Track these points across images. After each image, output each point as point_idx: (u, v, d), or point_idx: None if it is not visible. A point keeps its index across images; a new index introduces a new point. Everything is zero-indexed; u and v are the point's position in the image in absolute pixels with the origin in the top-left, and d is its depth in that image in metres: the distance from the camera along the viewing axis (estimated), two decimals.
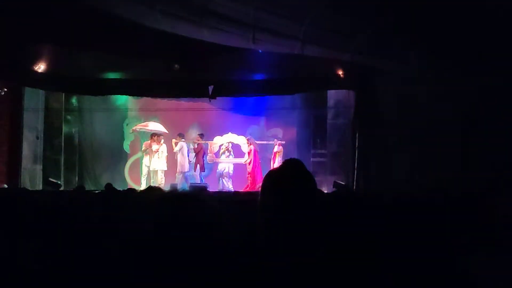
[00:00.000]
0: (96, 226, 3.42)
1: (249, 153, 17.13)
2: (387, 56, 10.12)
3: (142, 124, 18.05)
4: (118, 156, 18.95)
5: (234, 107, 18.66)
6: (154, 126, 17.53)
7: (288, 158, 2.50)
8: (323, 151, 17.14)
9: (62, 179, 16.83)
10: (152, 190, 4.43)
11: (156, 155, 17.03)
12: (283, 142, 17.67)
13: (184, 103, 18.39)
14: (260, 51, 14.19)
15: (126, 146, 19.24)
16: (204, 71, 15.47)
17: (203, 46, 12.74)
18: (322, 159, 17.09)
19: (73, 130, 18.27)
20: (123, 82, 16.27)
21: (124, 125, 19.24)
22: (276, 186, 2.26)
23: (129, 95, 17.66)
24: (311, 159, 17.62)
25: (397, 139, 13.41)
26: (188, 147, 17.80)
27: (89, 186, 16.56)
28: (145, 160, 17.28)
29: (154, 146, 17.06)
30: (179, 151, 17.36)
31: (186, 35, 11.57)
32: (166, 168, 17.10)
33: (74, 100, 18.31)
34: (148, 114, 19.01)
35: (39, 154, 16.32)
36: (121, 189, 6.12)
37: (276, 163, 17.16)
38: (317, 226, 2.20)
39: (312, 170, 16.40)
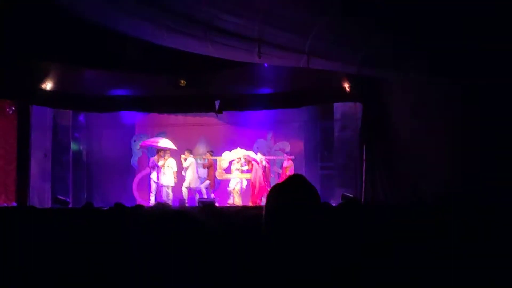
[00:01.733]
0: (104, 243, 3.44)
1: (251, 168, 17.12)
2: (393, 67, 10.11)
3: (151, 140, 18.09)
4: (126, 172, 19.00)
5: (241, 122, 18.71)
6: (164, 142, 17.56)
7: (294, 173, 2.53)
8: (331, 164, 17.13)
9: (70, 196, 16.88)
10: (160, 206, 4.46)
11: (162, 170, 17.07)
12: (293, 157, 17.63)
13: (191, 118, 18.46)
14: (265, 65, 14.25)
15: (134, 162, 19.30)
16: (211, 86, 15.56)
17: (208, 61, 12.81)
18: (330, 172, 17.08)
19: (81, 147, 18.37)
20: (130, 99, 16.38)
21: (132, 141, 19.31)
22: (279, 201, 2.28)
23: (136, 111, 17.73)
24: (319, 172, 17.62)
25: (404, 150, 13.37)
26: (196, 163, 17.84)
27: (97, 203, 16.59)
28: (153, 176, 17.31)
29: (160, 162, 17.11)
30: (188, 167, 17.40)
31: (191, 50, 11.63)
32: (173, 184, 17.10)
33: (81, 117, 18.42)
34: (155, 130, 19.08)
35: (47, 172, 16.39)
36: (129, 206, 6.14)
37: None
38: (322, 241, 2.22)
39: (320, 183, 16.49)
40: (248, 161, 17.13)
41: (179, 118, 18.65)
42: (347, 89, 14.90)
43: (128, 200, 16.60)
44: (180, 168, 17.42)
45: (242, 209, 11.58)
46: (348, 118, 16.20)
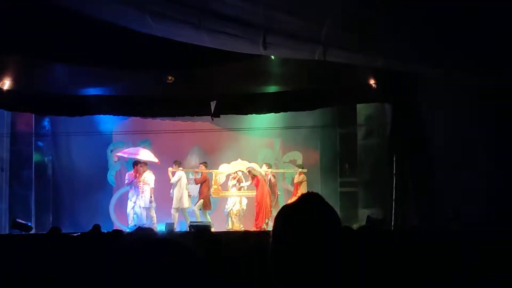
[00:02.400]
0: (74, 275, 3.46)
1: (256, 184, 17.09)
2: (430, 60, 10.10)
3: (129, 150, 18.11)
4: (101, 190, 19.00)
5: (242, 127, 18.71)
6: (144, 154, 17.60)
7: (309, 191, 2.52)
8: (353, 179, 17.12)
9: (33, 220, 16.88)
10: (141, 232, 4.47)
11: (140, 187, 17.11)
12: (305, 171, 17.64)
13: (181, 123, 18.47)
14: (272, 57, 14.27)
15: (111, 177, 19.32)
16: (205, 84, 15.57)
17: (202, 54, 12.83)
18: (351, 189, 17.06)
19: (46, 159, 18.40)
20: (106, 100, 16.39)
21: (108, 152, 19.35)
22: (289, 226, 2.29)
23: (114, 115, 17.74)
24: (339, 189, 17.62)
25: (445, 163, 13.36)
26: (187, 178, 17.86)
27: (66, 228, 16.60)
28: (130, 194, 17.34)
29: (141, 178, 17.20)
30: (176, 183, 17.42)
31: (181, 40, 11.66)
32: (148, 205, 17.05)
33: (46, 122, 18.46)
34: (137, 138, 19.11)
35: (4, 189, 16.40)
36: (106, 231, 6.16)
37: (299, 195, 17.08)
38: (341, 276, 2.22)
39: (339, 203, 16.51)
40: (253, 176, 17.10)
41: (167, 124, 18.67)
42: (373, 87, 14.91)
43: (104, 224, 16.58)
44: (165, 185, 17.43)
45: (244, 236, 11.59)
46: (374, 122, 16.20)
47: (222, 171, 17.83)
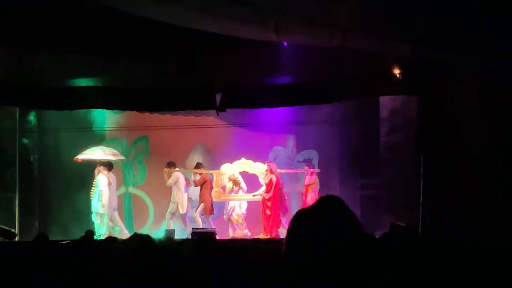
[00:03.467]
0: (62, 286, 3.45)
1: (268, 184, 17.02)
2: (463, 47, 10.05)
3: (89, 151, 17.93)
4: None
5: (251, 123, 18.71)
6: (100, 153, 17.58)
7: (326, 194, 2.49)
8: (374, 181, 17.07)
9: (17, 225, 16.92)
10: (137, 240, 4.45)
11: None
12: (318, 171, 17.61)
13: (182, 118, 18.49)
14: (285, 44, 14.24)
15: None
16: (209, 74, 15.57)
17: (207, 40, 12.82)
18: (373, 192, 17.03)
19: (31, 158, 18.41)
20: (98, 92, 16.40)
21: None
22: (305, 233, 2.27)
23: (107, 109, 17.76)
24: (359, 192, 17.58)
25: (480, 163, 13.30)
26: (190, 178, 17.89)
27: (54, 235, 16.63)
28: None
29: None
30: (174, 185, 17.43)
31: (182, 25, 11.64)
32: (102, 211, 17.03)
33: (32, 117, 18.49)
34: (133, 135, 19.14)
35: None
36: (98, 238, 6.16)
37: (309, 199, 17.13)
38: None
39: (360, 208, 16.49)
40: (268, 180, 17.04)
41: (166, 119, 18.68)
42: (398, 77, 14.87)
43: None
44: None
45: (252, 244, 11.59)
46: (399, 117, 16.15)
47: (224, 172, 17.79)
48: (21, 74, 15.73)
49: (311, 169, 17.62)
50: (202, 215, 17.57)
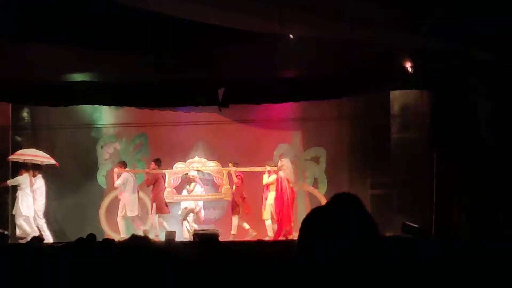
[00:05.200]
0: None
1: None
2: (478, 39, 10.06)
3: (21, 151, 17.83)
4: (91, 193, 19.03)
5: (255, 119, 18.69)
6: (32, 153, 17.51)
7: (334, 193, 2.48)
8: (386, 180, 17.06)
9: (9, 228, 16.93)
10: (135, 242, 4.45)
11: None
12: (275, 168, 17.38)
13: (183, 114, 18.49)
14: (290, 36, 14.24)
15: (102, 178, 19.33)
16: (211, 68, 15.55)
17: (208, 33, 12.82)
18: (384, 191, 17.01)
19: None
20: (95, 87, 16.39)
21: (98, 148, 19.36)
22: (319, 233, 2.26)
23: (104, 105, 17.76)
24: (369, 191, 17.56)
25: (496, 161, 13.29)
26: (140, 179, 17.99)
27: (48, 237, 16.66)
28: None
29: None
30: (122, 186, 17.54)
31: (183, 17, 11.65)
32: (28, 214, 16.98)
33: (25, 114, 18.49)
34: (132, 132, 19.13)
35: None
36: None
37: (269, 200, 17.07)
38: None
39: (370, 207, 16.47)
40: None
41: (166, 115, 18.67)
42: (409, 71, 14.84)
43: (95, 232, 16.60)
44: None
45: (257, 246, 11.61)
46: (411, 113, 16.14)
47: (177, 171, 17.85)
48: (14, 68, 15.73)
49: (270, 167, 17.39)
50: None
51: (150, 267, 2.06)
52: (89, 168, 19.22)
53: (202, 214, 17.92)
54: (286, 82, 16.17)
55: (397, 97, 16.46)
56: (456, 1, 8.90)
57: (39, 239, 10.89)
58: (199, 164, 17.88)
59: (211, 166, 17.91)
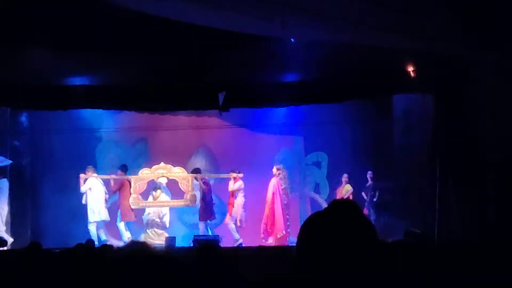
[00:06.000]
0: None
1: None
2: (484, 42, 10.06)
3: None
4: None
5: (256, 123, 18.72)
6: None
7: (337, 199, 2.49)
8: (388, 184, 17.07)
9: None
10: (133, 247, 4.46)
11: None
12: (241, 175, 17.48)
13: (184, 118, 18.51)
14: (292, 40, 14.24)
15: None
16: (212, 72, 15.57)
17: (209, 36, 12.83)
18: (386, 197, 17.01)
19: (23, 161, 18.43)
20: (94, 91, 16.41)
21: (97, 153, 19.37)
22: (317, 239, 2.27)
23: (104, 109, 17.77)
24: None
25: (499, 167, 13.29)
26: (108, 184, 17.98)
27: (47, 243, 16.64)
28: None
29: None
30: (90, 191, 17.58)
31: (182, 19, 11.66)
32: None
33: (23, 118, 18.50)
34: (132, 137, 19.14)
35: None
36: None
37: (236, 207, 17.09)
38: None
39: (372, 213, 16.47)
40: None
41: (167, 119, 18.69)
42: (412, 74, 14.85)
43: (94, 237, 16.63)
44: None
45: (258, 251, 11.62)
46: (414, 117, 16.14)
47: (143, 177, 17.85)
48: (12, 72, 15.74)
49: (234, 174, 17.35)
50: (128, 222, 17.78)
51: (149, 273, 2.05)
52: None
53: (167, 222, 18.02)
54: (287, 86, 16.18)
55: (400, 101, 16.48)
56: (460, 5, 8.91)
57: (37, 244, 10.85)
58: (164, 170, 17.87)
59: (176, 172, 17.88)
